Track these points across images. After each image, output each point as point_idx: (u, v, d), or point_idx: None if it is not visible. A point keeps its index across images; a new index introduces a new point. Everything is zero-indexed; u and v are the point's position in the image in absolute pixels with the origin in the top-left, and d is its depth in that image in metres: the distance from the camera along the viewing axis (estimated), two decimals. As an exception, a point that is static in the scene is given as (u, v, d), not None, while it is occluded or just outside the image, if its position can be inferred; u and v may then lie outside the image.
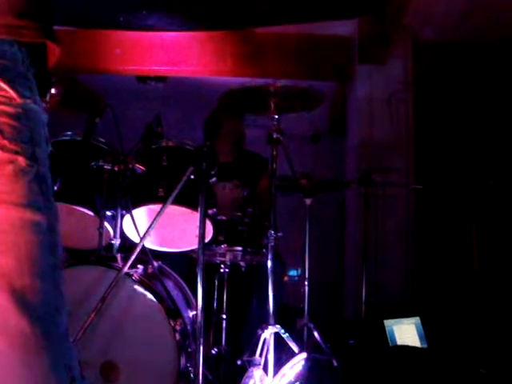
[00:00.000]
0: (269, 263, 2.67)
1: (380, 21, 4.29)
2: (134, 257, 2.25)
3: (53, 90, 2.68)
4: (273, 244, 2.64)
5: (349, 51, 4.74)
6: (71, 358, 0.96)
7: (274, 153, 2.77)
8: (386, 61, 4.57)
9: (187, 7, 3.86)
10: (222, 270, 3.02)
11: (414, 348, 3.23)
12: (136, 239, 2.46)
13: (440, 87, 4.60)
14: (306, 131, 5.59)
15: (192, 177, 2.34)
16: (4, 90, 0.94)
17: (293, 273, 5.08)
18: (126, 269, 2.24)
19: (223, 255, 2.94)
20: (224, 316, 3.00)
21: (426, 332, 3.38)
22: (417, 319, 3.44)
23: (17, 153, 0.93)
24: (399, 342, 3.33)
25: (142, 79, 5.15)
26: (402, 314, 3.53)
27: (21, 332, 0.89)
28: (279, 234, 2.70)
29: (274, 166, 2.82)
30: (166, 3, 3.82)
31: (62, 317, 0.95)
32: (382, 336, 3.38)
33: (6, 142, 0.92)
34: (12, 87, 0.95)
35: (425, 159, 4.53)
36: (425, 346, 3.34)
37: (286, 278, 3.64)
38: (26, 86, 0.99)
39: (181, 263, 3.01)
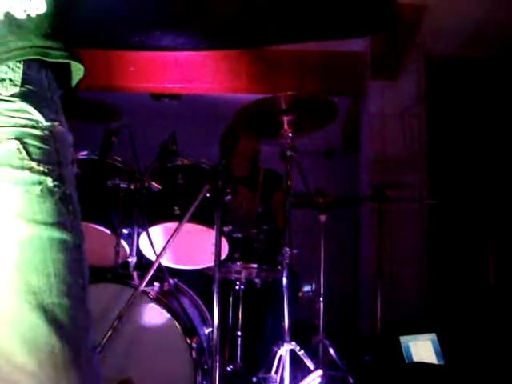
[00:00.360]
0: (284, 280, 2.67)
1: (392, 37, 4.31)
2: (150, 275, 2.27)
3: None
4: (288, 261, 2.64)
5: (362, 67, 4.76)
6: (98, 376, 0.98)
7: (288, 169, 2.78)
8: (399, 76, 4.58)
9: (201, 27, 3.90)
10: (237, 287, 3.03)
11: (431, 365, 3.21)
12: (152, 257, 2.48)
13: (453, 102, 4.61)
14: (320, 148, 5.63)
15: (208, 195, 2.36)
16: (31, 113, 0.97)
17: (307, 288, 5.08)
18: (142, 286, 2.25)
19: (238, 272, 2.95)
20: (239, 333, 3.01)
21: (443, 348, 3.35)
22: (433, 335, 3.42)
23: (44, 174, 0.95)
24: (415, 358, 3.31)
25: (157, 97, 5.20)
26: (417, 330, 3.51)
27: (51, 350, 0.90)
28: (294, 251, 2.70)
29: (289, 182, 2.83)
30: (180, 23, 3.86)
31: (90, 335, 0.97)
32: (398, 352, 3.36)
33: (34, 164, 0.94)
34: (39, 110, 0.98)
35: (438, 174, 4.52)
36: (442, 362, 3.32)
37: (301, 294, 3.63)
38: (52, 108, 1.02)
39: (196, 280, 3.02)
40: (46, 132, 0.98)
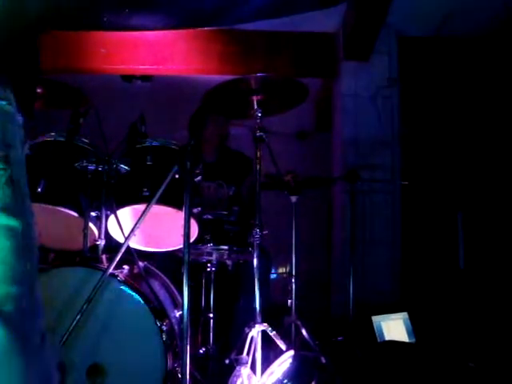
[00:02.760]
0: (255, 261, 2.66)
1: (364, 17, 4.29)
2: (118, 257, 2.24)
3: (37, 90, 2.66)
4: (258, 242, 2.63)
5: (334, 48, 4.74)
6: (49, 363, 0.95)
7: (258, 151, 2.76)
8: (371, 57, 4.57)
9: (172, 4, 3.84)
10: (208, 269, 3.01)
11: (402, 343, 3.24)
12: (121, 240, 2.45)
13: (425, 83, 4.62)
14: (293, 129, 5.61)
15: (177, 176, 2.33)
16: None
17: (281, 270, 5.09)
18: (111, 270, 2.23)
19: (210, 254, 2.94)
20: (211, 315, 3.00)
21: (414, 327, 3.39)
22: (404, 314, 3.46)
23: None
24: (387, 337, 3.34)
25: (128, 78, 5.13)
26: (389, 309, 3.54)
27: None
28: (265, 232, 2.69)
29: (258, 164, 2.81)
30: (150, 2, 3.80)
31: (39, 322, 0.94)
32: (370, 332, 3.39)
33: None
34: None
35: (411, 155, 4.54)
36: (413, 340, 3.36)
37: (274, 275, 3.64)
38: (1, 88, 0.97)
39: (167, 263, 3.00)
40: None
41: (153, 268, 2.68)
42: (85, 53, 4.56)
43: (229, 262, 3.01)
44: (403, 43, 4.67)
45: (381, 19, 4.24)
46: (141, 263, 2.51)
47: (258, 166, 2.78)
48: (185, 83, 5.05)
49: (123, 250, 2.26)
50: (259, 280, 2.64)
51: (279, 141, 3.75)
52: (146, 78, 5.09)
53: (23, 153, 1.00)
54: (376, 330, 3.38)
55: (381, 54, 4.59)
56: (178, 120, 3.96)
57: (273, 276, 3.59)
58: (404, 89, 4.62)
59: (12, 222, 0.92)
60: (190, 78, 4.97)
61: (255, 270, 2.64)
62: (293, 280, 3.29)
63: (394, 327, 3.39)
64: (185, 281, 2.21)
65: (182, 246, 2.28)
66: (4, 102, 0.97)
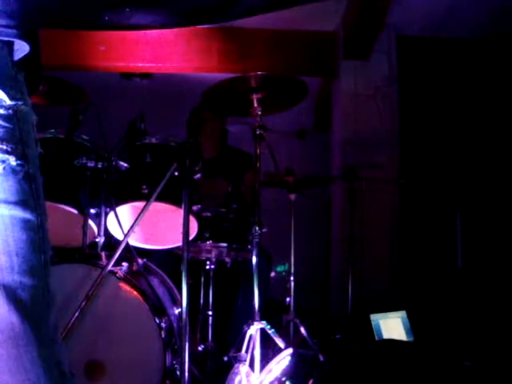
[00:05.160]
0: (254, 259, 2.67)
1: (364, 17, 4.30)
2: (118, 254, 2.24)
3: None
4: (257, 240, 2.63)
5: (333, 47, 4.75)
6: (61, 353, 0.98)
7: (258, 149, 2.76)
8: (371, 56, 4.58)
9: (173, 3, 3.85)
10: (207, 267, 3.02)
11: (400, 342, 3.24)
12: (120, 237, 2.45)
13: (424, 83, 4.62)
14: (292, 127, 5.61)
15: (176, 173, 2.34)
16: None
17: (280, 268, 5.09)
18: (110, 267, 2.23)
19: (209, 252, 2.94)
20: (210, 312, 3.00)
21: (412, 326, 3.39)
22: (403, 313, 3.46)
23: (7, 152, 0.95)
24: (385, 335, 3.35)
25: (127, 76, 5.13)
26: (387, 308, 3.54)
27: (11, 327, 0.90)
28: (264, 230, 2.69)
29: (258, 162, 2.81)
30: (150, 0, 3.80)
31: (51, 313, 0.97)
32: (369, 330, 3.39)
33: None
34: (2, 89, 0.97)
35: (410, 154, 4.54)
36: (411, 339, 3.36)
37: (273, 274, 3.64)
38: (16, 87, 1.00)
39: (166, 260, 3.01)
40: (10, 111, 0.97)
41: (152, 265, 2.68)
42: (84, 50, 4.57)
43: (228, 260, 3.01)
44: (402, 43, 4.67)
45: (381, 19, 4.25)
46: (140, 260, 2.51)
47: (257, 164, 2.79)
48: (184, 81, 5.06)
49: (122, 247, 2.26)
50: (258, 278, 2.65)
51: (279, 139, 3.76)
52: (145, 76, 5.09)
53: (37, 151, 1.03)
54: (374, 329, 3.38)
55: (380, 53, 4.60)
56: (177, 117, 3.97)
57: (273, 274, 3.59)
58: (403, 88, 4.63)
59: (28, 216, 0.95)
60: (190, 76, 4.97)
61: (254, 267, 2.64)
62: (291, 278, 3.29)
63: (392, 326, 3.40)
64: (184, 278, 2.22)
65: (180, 243, 2.29)
66: (21, 103, 1.00)
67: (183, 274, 2.23)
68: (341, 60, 4.65)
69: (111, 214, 2.49)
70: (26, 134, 1.00)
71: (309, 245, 4.93)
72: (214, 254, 2.94)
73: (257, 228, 2.64)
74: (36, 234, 0.96)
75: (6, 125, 0.96)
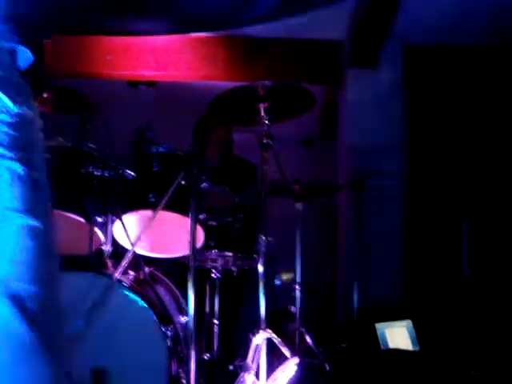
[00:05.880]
0: (260, 268, 2.66)
1: (370, 25, 4.31)
2: (125, 263, 2.25)
3: (44, 95, 2.68)
4: (264, 249, 2.63)
5: (339, 56, 4.75)
6: (70, 363, 0.98)
7: (264, 157, 2.76)
8: (377, 64, 4.58)
9: (174, 9, 3.87)
10: (213, 276, 3.02)
11: (406, 351, 3.24)
12: (127, 245, 2.46)
13: (431, 90, 4.62)
14: (298, 136, 5.62)
15: (183, 182, 2.35)
16: (1, 99, 0.95)
17: (285, 276, 5.08)
18: (117, 275, 2.24)
19: (214, 261, 2.95)
20: (216, 321, 3.00)
21: (418, 335, 3.38)
22: (408, 322, 3.45)
23: (14, 160, 0.94)
24: (391, 345, 3.34)
25: (133, 84, 5.15)
26: (393, 317, 3.53)
27: (21, 338, 0.89)
28: (270, 239, 2.69)
29: (264, 171, 2.82)
30: (153, 6, 3.83)
31: (61, 322, 0.96)
32: (374, 339, 3.38)
33: (3, 150, 0.93)
34: (7, 95, 0.96)
35: (416, 162, 4.54)
36: (417, 349, 3.35)
37: (278, 282, 3.64)
38: (21, 94, 1.00)
39: (172, 269, 3.01)
40: (16, 117, 0.96)
41: (158, 274, 2.69)
42: (91, 58, 4.59)
43: (233, 269, 3.01)
44: (408, 51, 4.67)
45: (386, 27, 4.25)
46: (146, 269, 2.51)
47: (263, 173, 2.79)
48: (190, 89, 5.07)
49: (129, 255, 2.26)
50: (264, 287, 2.64)
51: (284, 147, 3.76)
52: (151, 84, 5.11)
53: (44, 157, 1.02)
54: (379, 338, 3.37)
55: (386, 61, 4.60)
56: (183, 125, 3.98)
57: (277, 283, 3.59)
58: (410, 96, 4.63)
59: (36, 223, 0.94)
60: (195, 84, 4.99)
61: (260, 276, 2.64)
62: (297, 287, 3.29)
63: (397, 335, 3.39)
64: (190, 287, 2.22)
65: (187, 252, 2.29)
66: (26, 109, 0.99)
67: (189, 282, 2.23)
68: (347, 68, 4.65)
69: (118, 223, 2.50)
70: (32, 140, 1.00)
71: (314, 253, 4.92)
72: (219, 262, 2.94)
73: (263, 237, 2.64)
74: (43, 242, 0.95)
75: (12, 132, 0.95)
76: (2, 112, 0.95)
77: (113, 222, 2.50)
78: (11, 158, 0.93)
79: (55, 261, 0.99)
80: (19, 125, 0.97)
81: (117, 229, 2.54)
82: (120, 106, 4.85)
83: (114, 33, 4.26)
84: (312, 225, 4.14)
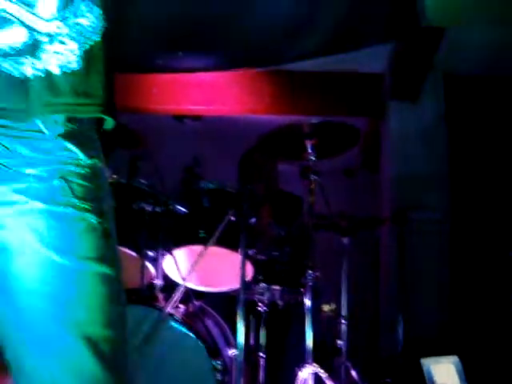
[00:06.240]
0: (307, 302, 2.70)
1: (412, 57, 4.34)
2: (176, 297, 2.30)
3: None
4: (311, 284, 2.66)
5: (381, 88, 4.79)
6: None
7: (312, 193, 2.81)
8: (419, 96, 4.60)
9: (226, 47, 3.99)
10: (259, 309, 3.04)
11: (455, 389, 3.18)
12: (177, 279, 2.51)
13: (474, 122, 4.61)
14: (339, 165, 5.65)
15: (232, 218, 2.40)
16: (74, 152, 1.02)
17: (328, 310, 5.06)
18: (168, 309, 2.29)
19: (261, 294, 2.97)
20: (262, 354, 3.02)
21: (466, 372, 3.32)
22: (455, 358, 3.39)
23: (87, 210, 1.00)
24: (438, 382, 3.28)
25: (179, 118, 5.26)
26: (438, 352, 3.48)
27: (96, 377, 0.96)
28: (317, 274, 2.72)
29: (311, 205, 2.86)
30: (203, 44, 3.95)
31: (129, 362, 1.02)
32: (419, 375, 3.34)
33: (77, 201, 1.00)
34: (80, 149, 1.03)
35: (460, 195, 4.51)
36: (464, 386, 3.29)
37: (323, 312, 3.63)
38: (92, 146, 1.07)
39: (219, 302, 3.05)
40: (88, 170, 1.03)
41: (207, 307, 2.73)
42: (136, 92, 4.72)
43: (280, 302, 3.03)
44: (450, 81, 4.68)
45: (429, 60, 4.28)
46: (196, 302, 2.57)
47: (310, 207, 2.84)
48: (235, 123, 5.15)
49: (181, 290, 2.32)
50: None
51: (325, 177, 3.79)
52: (196, 118, 5.21)
53: (112, 205, 1.08)
54: (425, 374, 3.32)
55: (428, 92, 4.61)
56: (230, 158, 4.05)
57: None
58: (452, 127, 4.62)
59: (107, 271, 1.00)
60: (240, 118, 5.07)
61: (307, 310, 2.66)
62: (343, 321, 3.28)
63: (444, 371, 3.33)
64: (240, 321, 2.26)
65: (235, 286, 2.34)
66: (97, 161, 1.06)
67: (239, 315, 2.27)
68: (388, 101, 4.68)
69: (168, 257, 2.56)
70: (103, 190, 1.07)
71: (358, 286, 4.90)
72: (266, 296, 2.96)
73: (310, 271, 2.68)
74: (114, 288, 1.02)
75: (85, 183, 1.02)
76: (76, 164, 1.02)
77: (164, 256, 2.57)
78: (85, 209, 1.00)
79: (124, 305, 1.05)
80: (91, 176, 1.04)
81: (167, 263, 2.61)
82: (165, 139, 4.96)
83: (165, 70, 4.42)
84: (354, 257, 4.14)
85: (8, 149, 1.00)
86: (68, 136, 1.03)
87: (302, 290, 2.85)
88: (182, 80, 4.72)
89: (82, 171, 1.02)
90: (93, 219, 1.01)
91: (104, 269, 1.00)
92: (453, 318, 4.20)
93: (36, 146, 1.01)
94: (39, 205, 0.98)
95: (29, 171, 0.99)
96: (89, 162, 1.04)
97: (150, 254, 2.57)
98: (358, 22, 4.00)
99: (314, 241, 2.99)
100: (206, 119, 5.16)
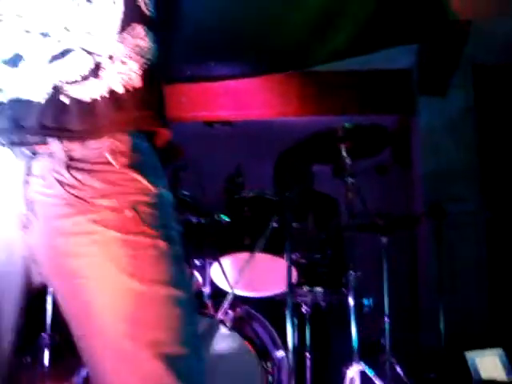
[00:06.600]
0: (350, 301, 2.75)
1: (439, 51, 4.34)
2: (226, 304, 2.38)
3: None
4: (353, 284, 2.72)
5: (409, 84, 4.80)
6: None
7: (349, 196, 2.86)
8: (447, 90, 4.60)
9: (256, 54, 4.04)
10: (303, 310, 3.11)
11: (503, 382, 3.19)
12: (224, 286, 2.59)
13: (503, 111, 4.60)
14: (371, 163, 5.65)
15: (275, 224, 2.47)
16: (141, 181, 1.09)
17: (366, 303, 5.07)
18: (219, 315, 2.37)
19: (304, 296, 3.03)
20: (308, 354, 3.08)
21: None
22: (499, 350, 3.41)
23: (157, 237, 1.06)
24: (484, 375, 3.30)
25: (209, 123, 5.34)
26: (482, 345, 3.50)
27: None
28: (358, 274, 2.78)
29: (348, 206, 2.91)
30: (233, 53, 4.01)
31: (204, 379, 1.09)
32: (465, 369, 3.36)
33: (147, 228, 1.06)
34: (147, 178, 1.10)
35: (492, 185, 4.51)
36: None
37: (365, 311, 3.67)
38: (157, 174, 1.14)
39: (264, 305, 3.12)
40: (155, 198, 1.10)
41: (253, 311, 2.80)
42: (167, 103, 4.79)
43: (323, 303, 3.09)
44: (478, 72, 4.67)
45: (458, 54, 4.27)
46: (243, 307, 2.64)
47: (347, 208, 2.89)
48: (265, 126, 5.19)
49: (230, 297, 2.40)
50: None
51: (358, 176, 3.82)
52: (226, 123, 5.28)
53: (179, 230, 1.15)
54: (470, 367, 3.34)
55: (457, 85, 4.61)
56: (260, 162, 4.11)
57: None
58: (481, 119, 4.61)
59: (180, 293, 1.06)
60: (270, 121, 5.11)
61: (351, 311, 2.72)
62: (386, 318, 3.32)
63: (489, 364, 3.35)
64: (288, 323, 2.33)
65: (279, 290, 2.40)
66: (163, 189, 1.13)
67: (287, 318, 2.34)
68: (417, 96, 4.69)
69: (215, 265, 2.64)
70: (170, 216, 1.13)
71: (396, 282, 4.92)
72: (309, 297, 3.03)
73: (352, 272, 2.73)
74: (187, 309, 1.07)
75: (153, 211, 1.08)
76: (144, 194, 1.09)
77: (210, 264, 2.65)
78: (156, 236, 1.07)
79: (196, 324, 1.12)
80: (159, 204, 1.10)
81: (214, 271, 2.69)
82: (198, 147, 5.04)
83: (194, 80, 4.50)
84: (392, 253, 4.17)
85: (81, 182, 1.08)
86: (134, 167, 1.10)
87: (343, 290, 2.91)
88: (209, 87, 4.78)
89: (150, 200, 1.09)
90: (163, 245, 1.07)
91: (176, 291, 1.05)
92: (495, 309, 4.20)
93: (106, 178, 1.08)
94: (113, 234, 1.05)
95: (101, 202, 1.07)
96: (155, 190, 1.10)
97: (197, 262, 2.65)
98: (385, 20, 4.01)
99: (353, 241, 3.04)
100: (235, 123, 5.21)
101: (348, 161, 2.86)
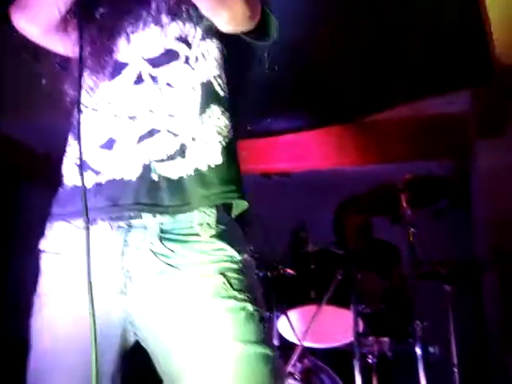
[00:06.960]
0: (418, 351, 2.77)
1: (494, 93, 4.35)
2: (295, 357, 2.45)
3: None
4: (420, 334, 2.74)
5: (465, 128, 4.79)
6: None
7: (411, 245, 2.90)
8: (505, 130, 4.57)
9: (309, 109, 4.17)
10: (369, 360, 3.12)
11: None
12: (292, 338, 2.66)
13: None
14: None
15: (339, 277, 2.54)
16: (227, 250, 1.20)
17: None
18: (288, 368, 2.44)
19: (370, 346, 3.05)
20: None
21: None
22: None
23: (245, 301, 1.16)
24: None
25: (267, 175, 5.46)
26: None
27: None
28: (425, 324, 2.79)
29: (411, 255, 2.94)
30: (290, 108, 4.15)
31: None
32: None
33: (236, 293, 1.17)
34: (232, 247, 1.21)
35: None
36: None
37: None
38: (241, 242, 1.25)
39: (330, 356, 3.15)
40: (240, 264, 1.21)
41: (320, 363, 2.84)
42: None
43: (389, 353, 3.10)
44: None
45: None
46: (310, 359, 2.69)
47: (409, 258, 2.93)
48: (321, 176, 5.25)
49: (299, 349, 2.46)
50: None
51: (416, 218, 3.84)
52: (283, 174, 5.39)
53: (260, 289, 1.25)
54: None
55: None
56: (316, 211, 4.17)
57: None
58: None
59: (268, 351, 1.15)
60: (326, 172, 5.18)
61: (419, 361, 2.73)
62: (455, 369, 3.27)
63: None
64: (357, 374, 2.37)
65: (346, 341, 2.45)
66: (245, 254, 1.23)
67: (356, 368, 2.39)
68: (474, 139, 4.68)
69: (282, 318, 2.72)
70: (254, 280, 1.24)
71: (463, 331, 4.83)
72: (375, 348, 3.04)
73: (418, 322, 2.75)
74: (275, 365, 1.16)
75: (240, 277, 1.19)
76: (230, 261, 1.20)
77: (278, 317, 2.72)
78: (243, 300, 1.17)
79: (284, 379, 1.21)
80: (244, 269, 1.21)
81: (282, 324, 2.76)
82: (259, 199, 5.16)
83: (254, 135, 4.66)
84: (457, 301, 4.13)
85: (173, 251, 1.19)
86: (220, 237, 1.21)
87: (410, 340, 2.92)
88: (267, 141, 4.91)
89: (236, 266, 1.20)
90: (250, 307, 1.17)
91: (264, 350, 1.15)
92: None
93: (197, 248, 1.20)
94: (206, 298, 1.16)
95: (193, 269, 1.18)
96: (240, 257, 1.21)
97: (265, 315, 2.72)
98: (433, 67, 4.06)
99: (417, 289, 3.06)
100: (292, 174, 5.31)
101: (408, 211, 2.91)
